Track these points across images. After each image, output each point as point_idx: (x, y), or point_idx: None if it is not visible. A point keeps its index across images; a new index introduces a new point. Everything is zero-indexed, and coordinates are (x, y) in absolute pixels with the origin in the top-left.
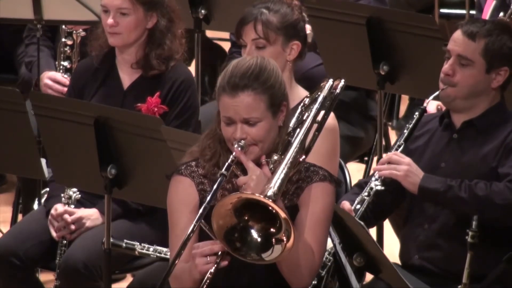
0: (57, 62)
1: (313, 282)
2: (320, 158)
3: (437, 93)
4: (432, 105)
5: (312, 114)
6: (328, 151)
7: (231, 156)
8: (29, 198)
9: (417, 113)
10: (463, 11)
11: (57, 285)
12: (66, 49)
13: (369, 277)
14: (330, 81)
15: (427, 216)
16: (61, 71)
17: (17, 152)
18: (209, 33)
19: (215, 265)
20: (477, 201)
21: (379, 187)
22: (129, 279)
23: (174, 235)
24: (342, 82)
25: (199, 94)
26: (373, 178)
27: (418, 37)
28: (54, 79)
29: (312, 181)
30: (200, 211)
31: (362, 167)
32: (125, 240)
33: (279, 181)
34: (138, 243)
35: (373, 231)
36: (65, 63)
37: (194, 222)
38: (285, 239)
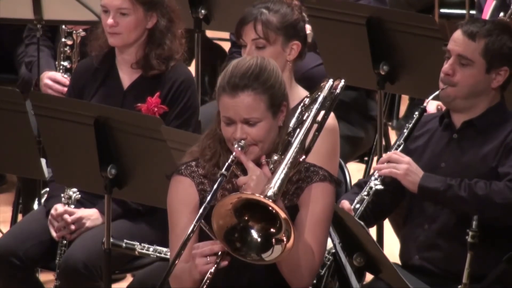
0: (57, 62)
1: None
2: (320, 158)
3: (437, 92)
4: (432, 105)
5: (312, 114)
6: (328, 151)
7: (231, 156)
8: (29, 198)
9: (416, 113)
10: (463, 11)
11: (57, 285)
12: (66, 49)
13: (369, 277)
14: (330, 81)
15: (427, 216)
16: (61, 71)
17: (17, 152)
18: (209, 33)
19: (215, 265)
20: (477, 200)
21: (378, 187)
22: (129, 279)
23: (174, 235)
24: (342, 82)
25: (199, 94)
26: (372, 178)
27: (418, 37)
28: (54, 79)
29: (312, 181)
30: (200, 211)
31: (362, 167)
32: (125, 240)
33: (279, 181)
34: (138, 243)
35: (373, 231)
36: (65, 63)
37: (194, 222)
38: (285, 239)
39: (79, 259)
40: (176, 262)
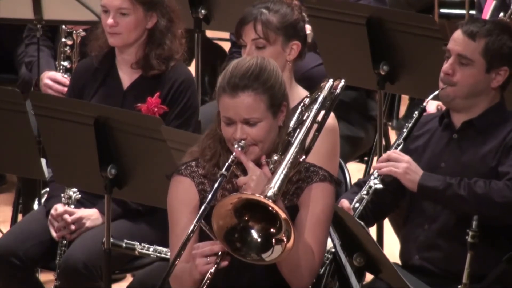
0: (57, 62)
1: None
2: (320, 158)
3: (436, 92)
4: (432, 105)
5: (312, 114)
6: (328, 151)
7: (231, 156)
8: (29, 198)
9: (416, 113)
10: (463, 11)
11: (57, 285)
12: (66, 49)
13: (369, 277)
14: (330, 81)
15: (427, 216)
16: (61, 71)
17: (17, 152)
18: (209, 33)
19: (215, 266)
20: (476, 199)
21: (378, 186)
22: (129, 279)
23: (174, 235)
24: (342, 82)
25: (199, 94)
26: (372, 177)
27: (418, 37)
28: (54, 79)
29: (312, 181)
30: (200, 211)
31: (362, 167)
32: (125, 240)
33: (279, 181)
34: (138, 243)
35: (373, 231)
36: (65, 63)
37: (194, 222)
38: (285, 240)
39: (79, 259)
40: (176, 262)
